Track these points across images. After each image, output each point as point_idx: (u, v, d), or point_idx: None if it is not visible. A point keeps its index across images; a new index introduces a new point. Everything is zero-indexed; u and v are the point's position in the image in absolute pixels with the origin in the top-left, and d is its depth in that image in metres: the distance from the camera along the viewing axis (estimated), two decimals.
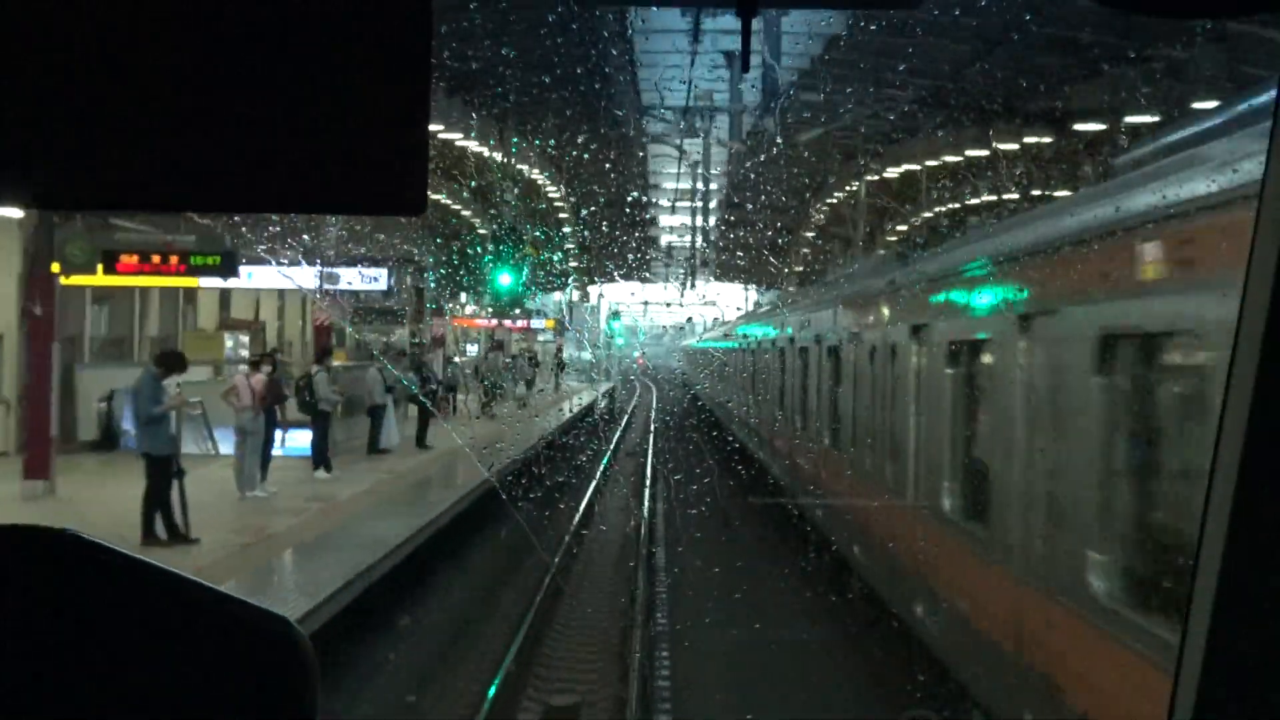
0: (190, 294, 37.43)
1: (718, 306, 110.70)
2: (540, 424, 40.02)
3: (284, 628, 1.18)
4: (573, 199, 59.33)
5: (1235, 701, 1.64)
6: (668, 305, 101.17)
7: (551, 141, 39.78)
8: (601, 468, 34.24)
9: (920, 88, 34.41)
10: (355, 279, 25.52)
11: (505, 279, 36.19)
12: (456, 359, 57.23)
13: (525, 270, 40.04)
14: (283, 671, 1.17)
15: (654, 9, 32.40)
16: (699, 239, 66.11)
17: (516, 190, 39.41)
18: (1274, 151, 1.63)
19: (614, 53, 33.52)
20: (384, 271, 25.38)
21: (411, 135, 1.08)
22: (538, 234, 44.46)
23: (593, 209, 60.55)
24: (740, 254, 74.63)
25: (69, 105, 1.06)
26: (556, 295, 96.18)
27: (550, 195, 49.40)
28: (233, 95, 1.07)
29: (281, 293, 44.11)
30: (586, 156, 43.60)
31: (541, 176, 44.22)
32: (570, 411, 50.43)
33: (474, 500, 22.64)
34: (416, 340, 40.81)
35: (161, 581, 1.17)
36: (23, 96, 1.06)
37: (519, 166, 40.35)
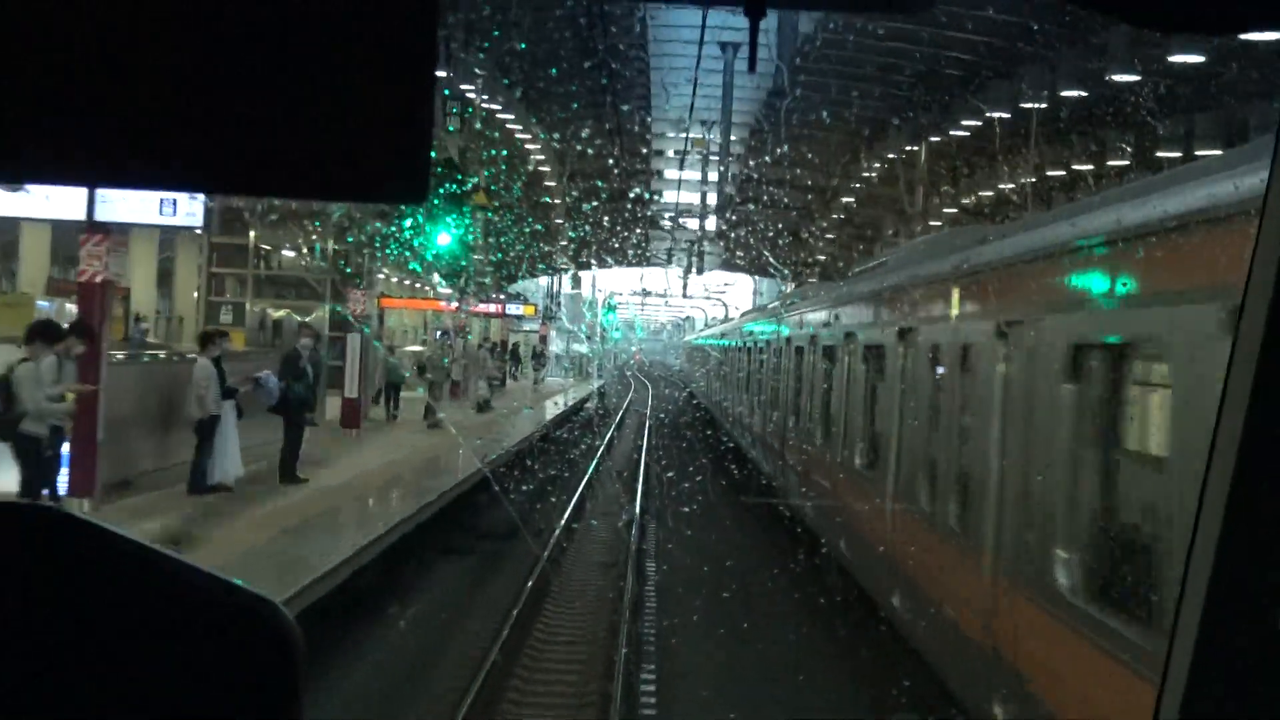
0: (9, 244, 27.07)
1: (723, 303, 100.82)
2: (497, 439, 29.80)
3: (271, 610, 1.19)
4: (554, 142, 49.26)
5: (1221, 702, 1.69)
6: (664, 292, 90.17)
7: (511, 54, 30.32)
8: (568, 512, 23.91)
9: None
10: (140, 210, 15.01)
11: (444, 238, 25.78)
12: (414, 347, 46.81)
13: (473, 226, 29.70)
14: (268, 653, 1.18)
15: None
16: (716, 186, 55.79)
17: (458, 114, 29.10)
18: (1278, 162, 1.69)
19: None
20: (195, 201, 14.91)
21: (415, 122, 1.08)
22: (488, 175, 34.08)
23: (578, 148, 50.08)
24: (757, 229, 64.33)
25: (71, 83, 1.06)
26: (543, 281, 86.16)
27: (517, 134, 39.22)
28: (237, 78, 1.07)
29: (168, 239, 33.63)
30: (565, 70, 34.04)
31: (501, 107, 34.02)
32: (545, 418, 40.13)
33: (308, 613, 12.31)
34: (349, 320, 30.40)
35: (147, 559, 1.18)
36: (32, 74, 1.06)
37: (465, 88, 30.17)
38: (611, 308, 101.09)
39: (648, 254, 75.43)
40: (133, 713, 1.15)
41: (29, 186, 15.72)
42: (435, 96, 1.07)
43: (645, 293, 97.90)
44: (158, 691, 1.15)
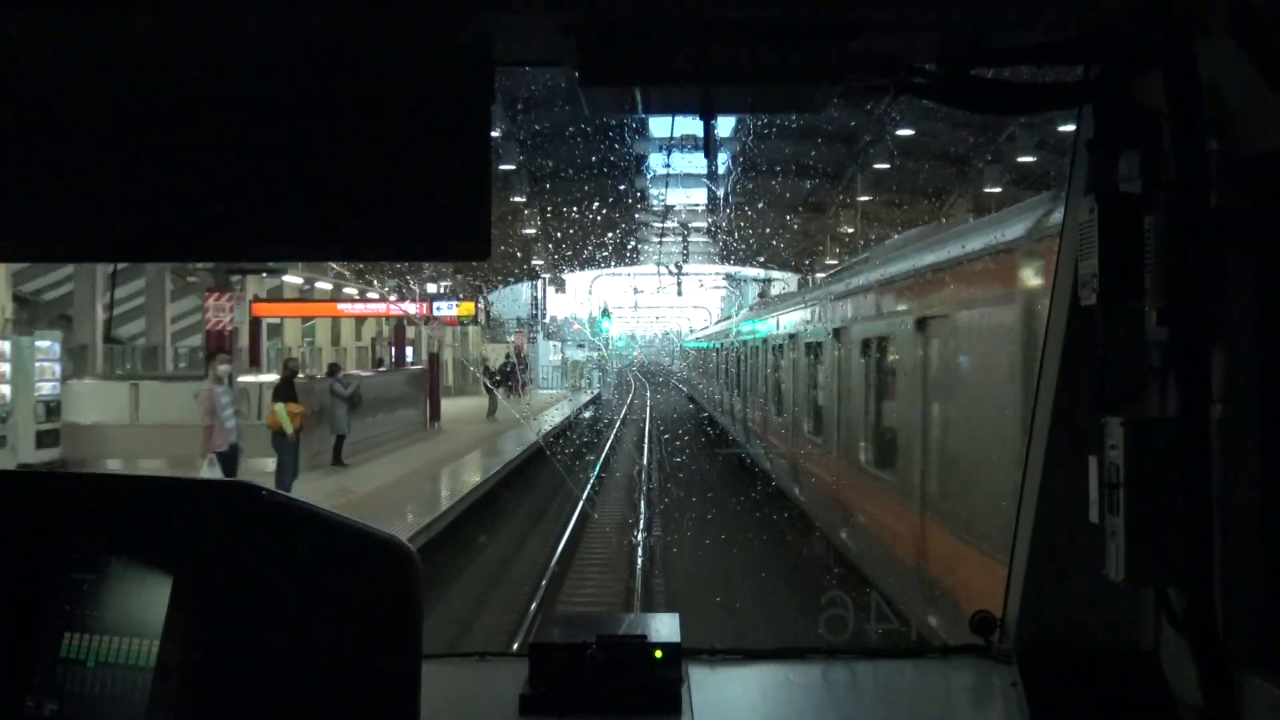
0: None
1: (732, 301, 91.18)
2: None
3: (400, 548, 1.60)
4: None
5: (1050, 588, 2.45)
6: (658, 291, 79.52)
7: None
8: None
9: None
10: None
11: None
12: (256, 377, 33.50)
13: None
14: (397, 579, 1.56)
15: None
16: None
17: None
18: (1070, 205, 2.30)
19: None
20: None
21: (476, 192, 1.23)
22: None
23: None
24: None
25: (153, 160, 1.21)
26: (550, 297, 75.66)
27: None
28: (324, 159, 1.22)
29: None
30: None
31: None
32: (458, 493, 27.28)
33: None
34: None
35: (317, 518, 1.56)
36: (107, 150, 1.24)
37: None
38: (606, 314, 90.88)
39: (640, 223, 64.34)
40: (295, 629, 1.46)
41: None
42: (491, 167, 1.20)
43: (637, 289, 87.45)
44: (313, 613, 1.47)
